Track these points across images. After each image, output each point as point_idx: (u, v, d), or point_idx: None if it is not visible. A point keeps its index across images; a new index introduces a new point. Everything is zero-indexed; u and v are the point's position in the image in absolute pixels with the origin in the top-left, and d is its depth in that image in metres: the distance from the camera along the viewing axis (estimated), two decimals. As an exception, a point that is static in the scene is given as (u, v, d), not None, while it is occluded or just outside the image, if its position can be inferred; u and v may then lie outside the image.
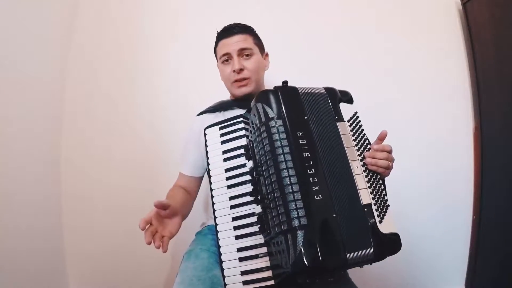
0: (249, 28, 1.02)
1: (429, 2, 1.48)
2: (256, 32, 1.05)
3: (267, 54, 1.08)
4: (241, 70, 0.95)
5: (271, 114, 0.72)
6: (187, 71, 1.46)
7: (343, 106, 0.80)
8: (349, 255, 0.63)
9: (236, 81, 0.96)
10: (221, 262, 0.74)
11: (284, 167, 0.67)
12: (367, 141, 0.78)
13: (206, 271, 0.81)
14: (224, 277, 0.72)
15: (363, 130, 0.79)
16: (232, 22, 1.04)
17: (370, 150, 0.75)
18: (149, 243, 0.68)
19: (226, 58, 0.98)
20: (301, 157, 0.68)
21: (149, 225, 0.70)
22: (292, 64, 1.44)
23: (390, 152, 0.76)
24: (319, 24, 1.48)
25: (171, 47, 1.48)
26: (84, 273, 1.43)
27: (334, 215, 0.65)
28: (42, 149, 1.35)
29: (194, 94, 1.44)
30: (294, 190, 0.65)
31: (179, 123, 1.42)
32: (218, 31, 1.03)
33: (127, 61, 1.48)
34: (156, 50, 1.48)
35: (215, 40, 1.04)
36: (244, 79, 0.96)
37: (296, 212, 0.63)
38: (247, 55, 0.97)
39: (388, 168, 0.76)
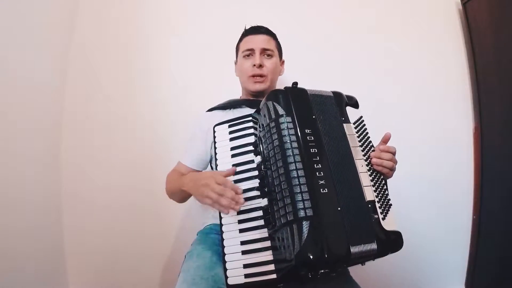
0: (274, 33, 1.09)
1: (429, 2, 1.48)
2: (278, 39, 1.10)
3: (283, 62, 1.14)
4: (260, 66, 1.01)
5: (281, 111, 0.75)
6: (187, 71, 1.46)
7: (349, 110, 0.83)
8: (352, 248, 0.64)
9: (253, 76, 1.01)
10: (224, 254, 0.74)
11: (292, 161, 0.69)
12: (371, 144, 0.81)
13: (209, 270, 0.81)
14: (226, 269, 0.72)
15: (367, 133, 0.82)
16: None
17: (376, 150, 0.78)
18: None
19: (248, 53, 1.04)
20: (309, 152, 0.70)
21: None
22: (292, 65, 1.43)
23: (394, 153, 0.79)
24: (319, 24, 1.48)
25: (171, 47, 1.48)
26: (84, 273, 1.43)
27: (339, 209, 0.67)
28: (42, 149, 1.34)
29: (194, 94, 1.44)
30: (301, 182, 0.67)
31: (179, 123, 1.42)
32: (246, 28, 1.10)
33: (127, 61, 1.48)
34: (156, 50, 1.48)
35: (240, 36, 1.10)
36: (261, 76, 1.01)
37: (302, 203, 0.65)
38: (268, 55, 1.04)
39: (392, 169, 0.79)
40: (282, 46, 1.13)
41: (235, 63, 1.13)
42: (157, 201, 1.37)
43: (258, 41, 1.04)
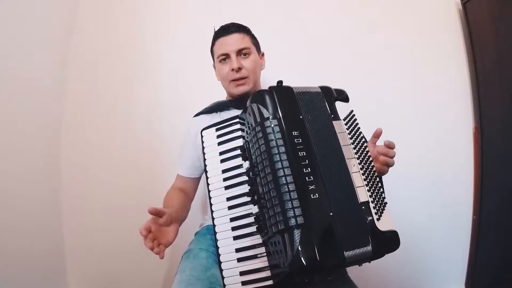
0: (246, 28, 1.03)
1: (429, 2, 1.47)
2: (252, 32, 1.06)
3: (263, 54, 1.09)
4: (239, 69, 0.96)
5: (266, 114, 0.72)
6: (186, 71, 1.46)
7: (339, 104, 0.80)
8: (346, 253, 0.62)
9: (234, 80, 0.97)
10: (220, 262, 0.74)
11: (280, 166, 0.66)
12: (363, 139, 0.78)
13: (205, 271, 0.82)
14: (223, 277, 0.72)
15: (359, 128, 0.79)
16: (230, 22, 1.04)
17: (380, 146, 0.76)
18: (152, 248, 0.70)
19: (224, 58, 0.99)
20: (297, 156, 0.68)
21: (148, 232, 0.72)
22: (291, 65, 1.44)
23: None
24: (318, 24, 1.48)
25: (170, 47, 1.48)
26: (83, 273, 1.43)
27: (331, 214, 0.65)
28: (42, 149, 1.35)
29: (194, 94, 1.44)
30: (290, 189, 0.65)
31: (178, 123, 1.41)
32: (216, 29, 1.04)
33: (127, 61, 1.48)
34: (155, 50, 1.49)
35: (212, 39, 1.05)
36: (242, 78, 0.97)
37: (292, 211, 0.63)
38: (245, 55, 0.99)
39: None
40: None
41: (214, 67, 1.08)
42: (157, 201, 1.37)
43: (231, 43, 0.98)
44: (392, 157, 0.75)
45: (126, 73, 1.48)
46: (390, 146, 0.75)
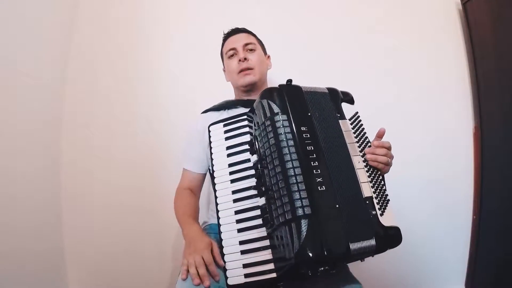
0: (252, 32, 1.11)
1: (429, 2, 1.48)
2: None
3: (269, 56, 1.14)
4: (245, 59, 1.01)
5: (276, 109, 0.75)
6: (187, 71, 1.47)
7: (344, 106, 0.83)
8: (351, 245, 0.64)
9: (241, 70, 1.02)
10: (223, 255, 0.74)
11: (289, 159, 0.69)
12: (367, 139, 0.80)
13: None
14: (225, 269, 0.72)
15: (363, 129, 0.82)
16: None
17: (370, 147, 0.78)
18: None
19: (232, 53, 1.05)
20: (305, 150, 0.70)
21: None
22: (292, 65, 1.44)
23: (389, 148, 0.78)
24: (319, 24, 1.48)
25: (171, 47, 1.48)
26: (83, 273, 1.43)
27: (337, 206, 0.67)
28: (42, 149, 1.34)
29: (194, 94, 1.44)
30: (298, 181, 0.67)
31: (179, 123, 1.42)
32: (225, 33, 1.11)
33: (127, 61, 1.48)
34: (156, 50, 1.48)
35: (221, 43, 1.11)
36: (249, 68, 1.02)
37: (300, 202, 0.65)
38: (251, 50, 1.05)
39: (388, 164, 0.78)
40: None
41: (224, 70, 1.13)
42: (157, 201, 1.37)
43: (239, 39, 1.06)
44: (381, 155, 0.75)
45: (126, 73, 1.48)
46: (378, 145, 0.76)
